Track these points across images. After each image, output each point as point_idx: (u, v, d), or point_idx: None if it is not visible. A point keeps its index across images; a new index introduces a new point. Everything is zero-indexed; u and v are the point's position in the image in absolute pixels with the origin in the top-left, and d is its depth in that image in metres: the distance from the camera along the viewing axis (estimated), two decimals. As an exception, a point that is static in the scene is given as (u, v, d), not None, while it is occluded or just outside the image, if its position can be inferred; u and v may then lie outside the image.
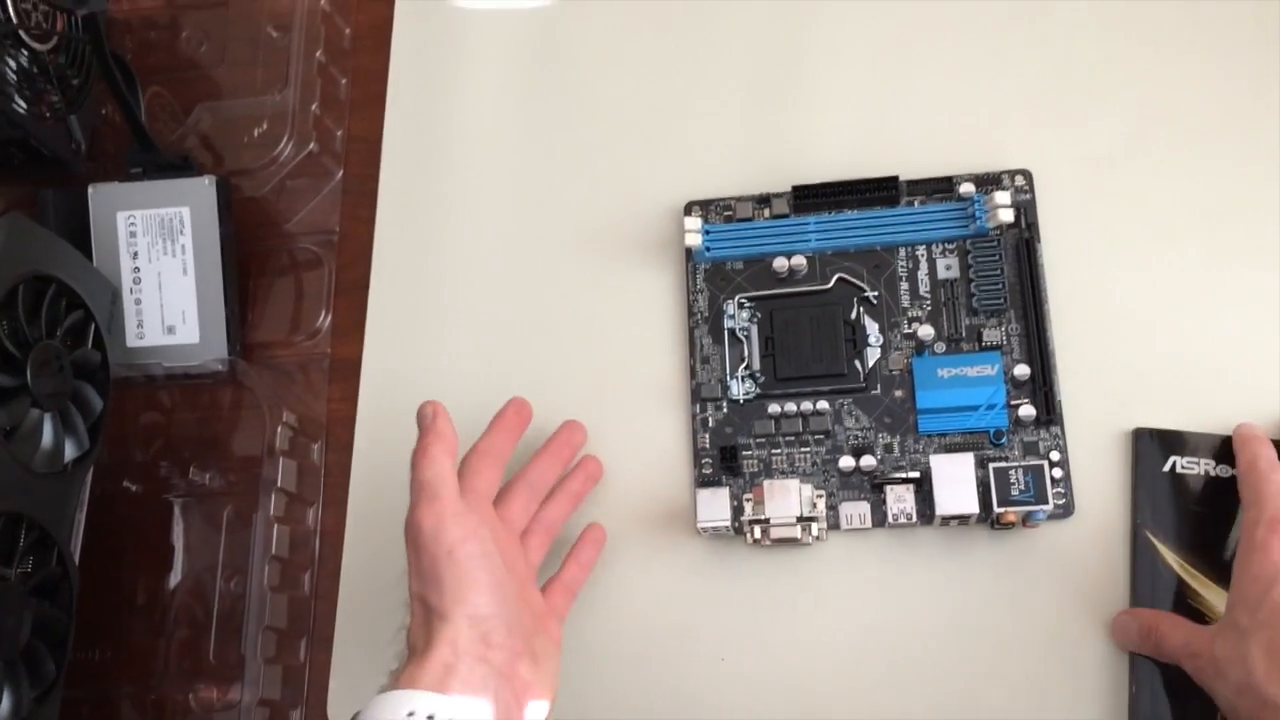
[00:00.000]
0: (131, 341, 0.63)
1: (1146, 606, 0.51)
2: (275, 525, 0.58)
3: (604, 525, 0.56)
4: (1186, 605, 0.51)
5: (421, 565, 0.47)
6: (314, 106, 0.66)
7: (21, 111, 0.61)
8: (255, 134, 0.67)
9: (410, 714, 0.42)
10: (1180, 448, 0.53)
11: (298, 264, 0.65)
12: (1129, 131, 0.58)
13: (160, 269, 0.63)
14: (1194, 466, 0.52)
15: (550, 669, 0.49)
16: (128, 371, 0.63)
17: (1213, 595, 0.51)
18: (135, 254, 0.63)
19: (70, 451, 0.56)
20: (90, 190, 0.63)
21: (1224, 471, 0.52)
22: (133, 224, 0.63)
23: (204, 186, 0.63)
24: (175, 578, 0.61)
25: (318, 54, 0.67)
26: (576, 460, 0.57)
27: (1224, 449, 0.52)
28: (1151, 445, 0.53)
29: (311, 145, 0.65)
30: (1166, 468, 0.52)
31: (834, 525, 0.54)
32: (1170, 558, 0.51)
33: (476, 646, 0.45)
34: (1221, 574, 0.50)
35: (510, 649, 0.46)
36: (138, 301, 0.63)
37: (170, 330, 0.62)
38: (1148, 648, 0.50)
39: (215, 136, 0.68)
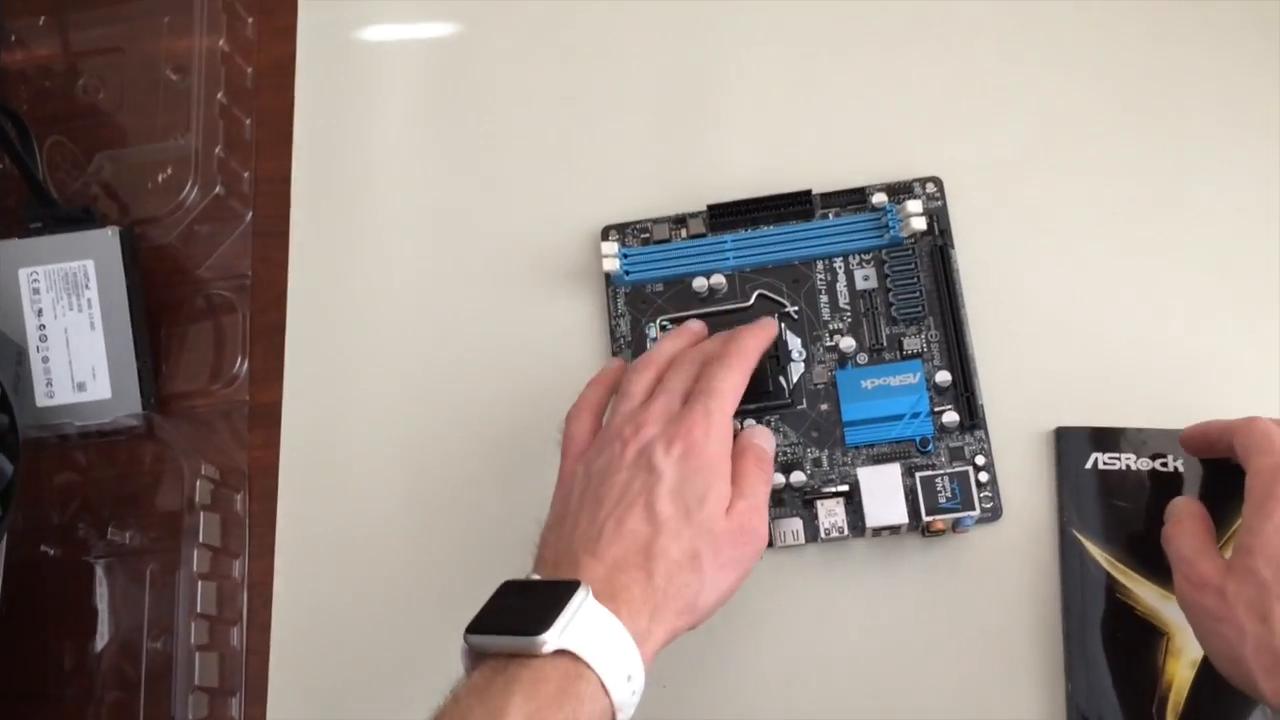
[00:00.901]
0: (41, 401, 0.61)
1: (1077, 604, 0.51)
2: (199, 582, 0.56)
3: (527, 563, 0.56)
4: (1116, 600, 0.51)
5: (724, 562, 0.45)
6: (218, 149, 0.64)
7: (-89, 171, 0.59)
8: (160, 179, 0.66)
9: (629, 678, 0.41)
10: (1101, 444, 0.53)
11: (211, 311, 0.64)
12: (1033, 134, 0.59)
13: (67, 325, 0.61)
14: (1115, 462, 0.53)
15: None
16: (39, 432, 0.61)
17: (1142, 589, 0.51)
18: (40, 310, 0.61)
19: (-20, 520, 0.54)
20: (-12, 248, 0.62)
21: (1144, 465, 0.53)
22: (35, 280, 0.61)
23: (107, 238, 0.61)
24: (101, 640, 0.59)
25: (219, 95, 0.65)
26: None
27: (1144, 442, 0.53)
28: (1072, 443, 0.53)
29: (218, 188, 0.64)
30: (1089, 465, 0.53)
31: (769, 543, 0.54)
32: (1098, 554, 0.52)
33: (662, 647, 0.44)
34: (1149, 568, 0.51)
35: None
36: (45, 360, 0.61)
37: (81, 387, 0.61)
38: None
39: (118, 184, 0.66)
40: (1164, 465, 0.53)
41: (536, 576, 0.45)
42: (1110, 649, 0.51)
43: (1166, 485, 0.52)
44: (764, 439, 0.50)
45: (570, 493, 0.48)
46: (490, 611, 0.43)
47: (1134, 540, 0.52)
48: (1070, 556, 0.52)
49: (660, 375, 0.51)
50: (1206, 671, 0.49)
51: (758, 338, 0.52)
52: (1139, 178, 0.57)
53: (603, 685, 0.40)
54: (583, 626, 0.40)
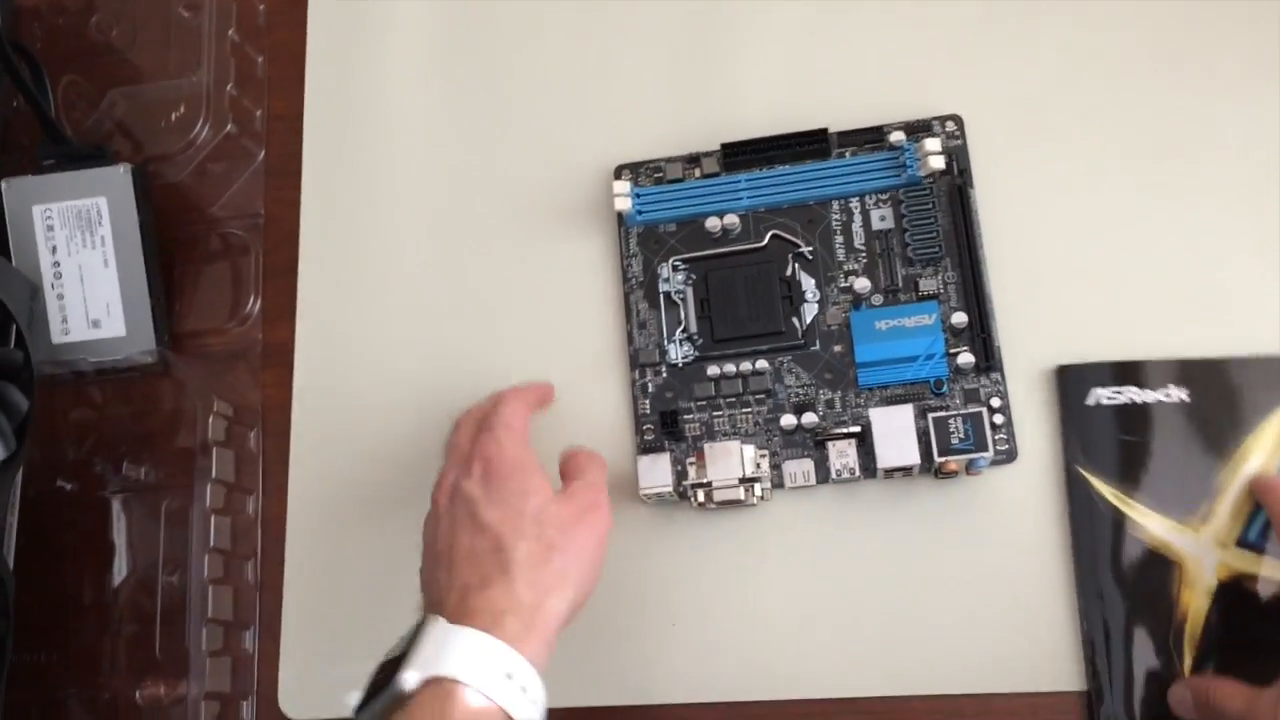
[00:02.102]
0: (56, 338, 0.61)
1: (1086, 541, 0.51)
2: (213, 517, 0.57)
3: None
4: (1126, 535, 0.51)
5: (577, 534, 0.46)
6: (229, 87, 0.64)
7: (-76, 107, 0.59)
8: (172, 118, 0.66)
9: (509, 676, 0.41)
10: (1102, 379, 0.53)
11: (223, 249, 0.64)
12: (1055, 71, 0.57)
13: (81, 262, 0.61)
14: (1118, 396, 0.52)
15: None
16: (54, 368, 0.61)
17: (1151, 522, 0.51)
18: (54, 248, 0.61)
19: (-4, 455, 0.54)
20: (3, 185, 0.61)
21: (1147, 397, 0.52)
22: (49, 217, 0.61)
23: (119, 175, 0.61)
24: (119, 574, 0.60)
25: (230, 32, 0.65)
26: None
27: (1142, 374, 0.52)
28: (1074, 380, 0.53)
29: (229, 126, 0.64)
30: (1091, 401, 0.52)
31: (779, 484, 0.54)
32: (1105, 490, 0.51)
33: (558, 630, 0.44)
34: (1157, 500, 0.51)
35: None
36: (60, 296, 0.61)
37: (95, 324, 0.61)
38: (1207, 715, 0.48)
39: (132, 122, 0.66)
40: (1167, 396, 0.52)
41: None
42: (1123, 584, 0.50)
43: (1170, 415, 0.52)
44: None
45: (425, 555, 0.49)
46: (369, 688, 0.43)
47: (1141, 474, 0.51)
48: (1077, 494, 0.52)
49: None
50: (1221, 598, 0.49)
51: (530, 391, 0.53)
52: (1161, 117, 0.56)
53: (481, 693, 0.40)
54: (441, 651, 0.41)
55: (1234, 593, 0.50)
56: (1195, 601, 0.50)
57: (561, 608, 0.44)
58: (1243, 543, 0.50)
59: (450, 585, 0.45)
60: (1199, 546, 0.50)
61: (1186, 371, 0.52)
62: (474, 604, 0.43)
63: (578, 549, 0.46)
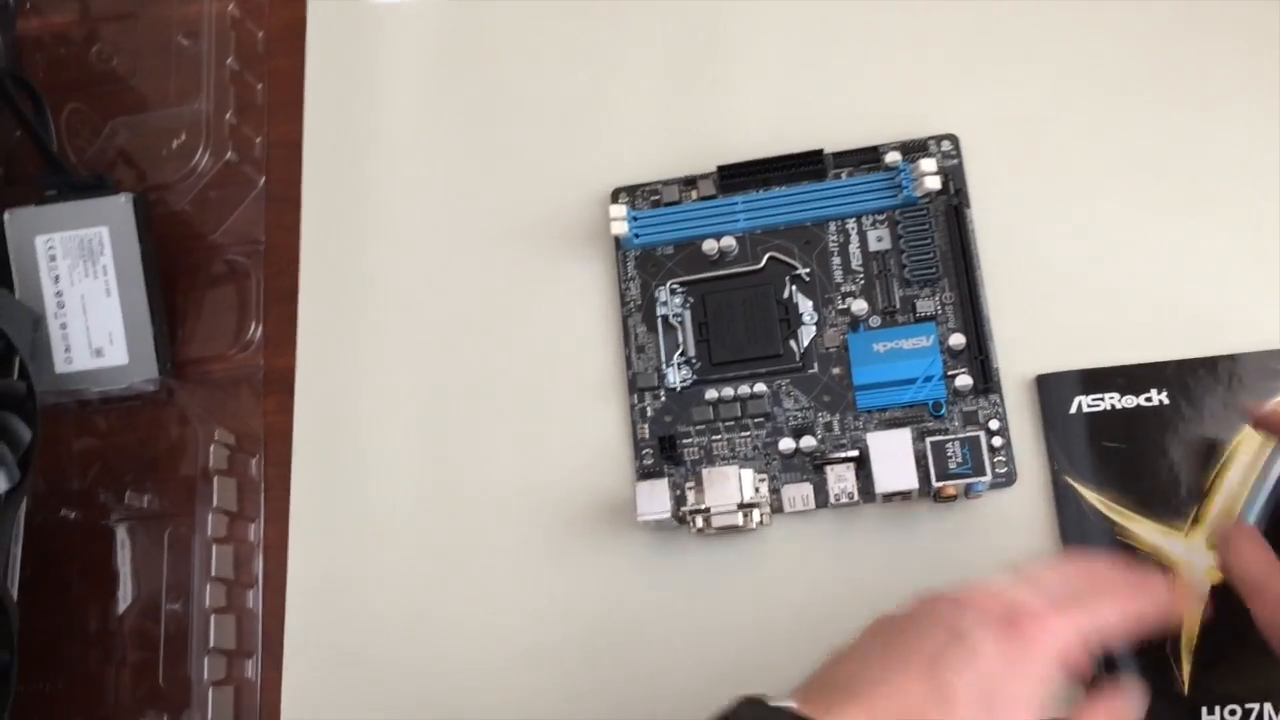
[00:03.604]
0: (60, 367, 0.61)
1: (1077, 553, 0.51)
2: (214, 546, 0.57)
3: (547, 524, 0.56)
4: (1117, 543, 0.51)
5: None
6: (229, 115, 0.64)
7: (-73, 141, 0.59)
8: (174, 145, 0.66)
9: None
10: (1083, 386, 0.52)
11: (225, 276, 0.64)
12: (1054, 87, 0.57)
13: (83, 291, 0.61)
14: (1100, 403, 0.52)
15: None
16: (58, 398, 0.61)
17: (1141, 529, 0.50)
18: (57, 277, 0.62)
19: (0, 486, 0.55)
20: (5, 216, 0.62)
21: (1129, 402, 0.52)
22: (52, 248, 0.62)
23: (120, 205, 0.61)
24: (123, 603, 0.60)
25: (229, 60, 0.65)
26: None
27: (1127, 379, 0.52)
28: (1054, 388, 0.53)
29: (229, 154, 0.64)
30: (1073, 409, 0.52)
31: (778, 509, 0.53)
32: (1094, 499, 0.51)
33: None
34: (1146, 506, 0.51)
35: None
36: (63, 326, 0.61)
37: (98, 353, 0.61)
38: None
39: (134, 151, 0.67)
40: (1148, 400, 0.52)
41: (785, 703, 0.40)
42: None
43: (1154, 419, 0.51)
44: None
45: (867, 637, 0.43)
46: None
47: (1128, 480, 0.51)
48: (1067, 504, 0.51)
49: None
50: (1217, 604, 0.49)
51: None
52: (1160, 137, 0.56)
53: None
54: None
55: (1228, 596, 0.49)
56: (1189, 607, 0.49)
57: None
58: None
59: (859, 696, 0.39)
60: (1190, 550, 0.50)
61: (1166, 374, 0.52)
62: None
63: None
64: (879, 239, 0.56)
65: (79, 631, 0.60)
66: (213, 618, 0.56)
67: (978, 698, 0.38)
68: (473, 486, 0.58)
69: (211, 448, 0.58)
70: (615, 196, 0.59)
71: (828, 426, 0.54)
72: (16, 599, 0.56)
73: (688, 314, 0.57)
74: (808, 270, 0.56)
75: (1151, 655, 0.49)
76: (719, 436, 0.55)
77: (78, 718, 0.58)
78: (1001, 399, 0.53)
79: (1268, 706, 0.48)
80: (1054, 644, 0.40)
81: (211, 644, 0.56)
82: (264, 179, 0.65)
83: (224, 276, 0.64)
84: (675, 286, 0.57)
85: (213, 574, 0.56)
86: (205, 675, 0.55)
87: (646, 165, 0.60)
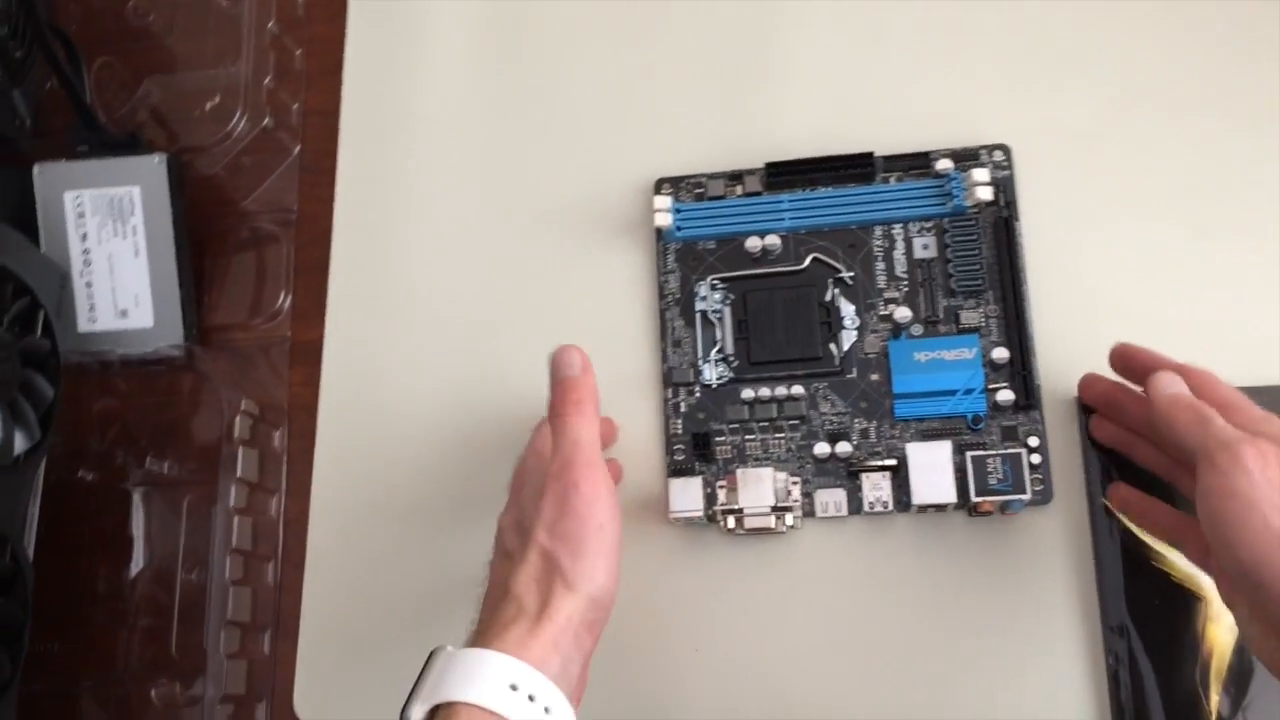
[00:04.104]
0: (84, 326, 0.60)
1: (1111, 575, 0.51)
2: (235, 517, 0.56)
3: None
4: (1151, 568, 0.50)
5: (564, 525, 0.44)
6: (268, 80, 0.63)
7: (-38, 89, 0.58)
8: (207, 107, 0.65)
9: (513, 686, 0.40)
10: None
11: (255, 244, 0.63)
12: (1110, 103, 0.57)
13: (111, 251, 0.60)
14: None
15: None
16: (81, 357, 0.61)
17: (1176, 555, 0.50)
18: (84, 235, 0.61)
19: (20, 444, 0.54)
20: (35, 170, 0.61)
21: None
22: (81, 204, 0.61)
23: (154, 165, 0.60)
24: (135, 567, 0.60)
25: (270, 24, 0.64)
26: None
27: None
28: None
29: (266, 120, 0.63)
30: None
31: (809, 513, 0.53)
32: (1128, 522, 0.51)
33: (582, 630, 0.43)
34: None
35: (594, 642, 0.44)
36: (89, 284, 0.61)
37: (123, 314, 0.60)
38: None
39: (166, 110, 0.66)
40: None
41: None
42: (1148, 619, 0.50)
43: None
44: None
45: None
46: None
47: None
48: (1101, 528, 0.51)
49: None
50: None
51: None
52: (1216, 157, 0.55)
53: (484, 710, 0.39)
54: (442, 677, 0.41)
55: None
56: (1221, 638, 0.49)
57: (567, 607, 0.43)
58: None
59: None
60: None
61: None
62: (483, 625, 0.44)
63: (571, 544, 0.44)
64: (925, 246, 0.55)
65: (88, 594, 0.60)
66: (231, 590, 0.55)
67: (511, 538, 0.47)
68: (498, 472, 0.57)
69: (237, 418, 0.57)
70: (659, 187, 0.58)
71: (864, 433, 0.54)
72: (31, 560, 0.55)
73: (727, 311, 0.56)
74: (851, 274, 0.56)
75: (1182, 683, 0.49)
76: (753, 436, 0.54)
77: (87, 680, 0.58)
78: (1042, 416, 0.52)
79: (1297, 735, 0.48)
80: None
81: (229, 617, 0.55)
82: (299, 147, 0.64)
83: (253, 244, 0.63)
84: (716, 282, 0.56)
85: (233, 546, 0.56)
86: (221, 648, 0.54)
87: (692, 157, 0.59)
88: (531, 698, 0.40)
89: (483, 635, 0.43)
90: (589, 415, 0.47)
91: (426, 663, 0.43)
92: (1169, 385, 0.45)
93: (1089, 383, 0.52)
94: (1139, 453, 0.50)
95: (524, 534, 0.45)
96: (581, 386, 0.48)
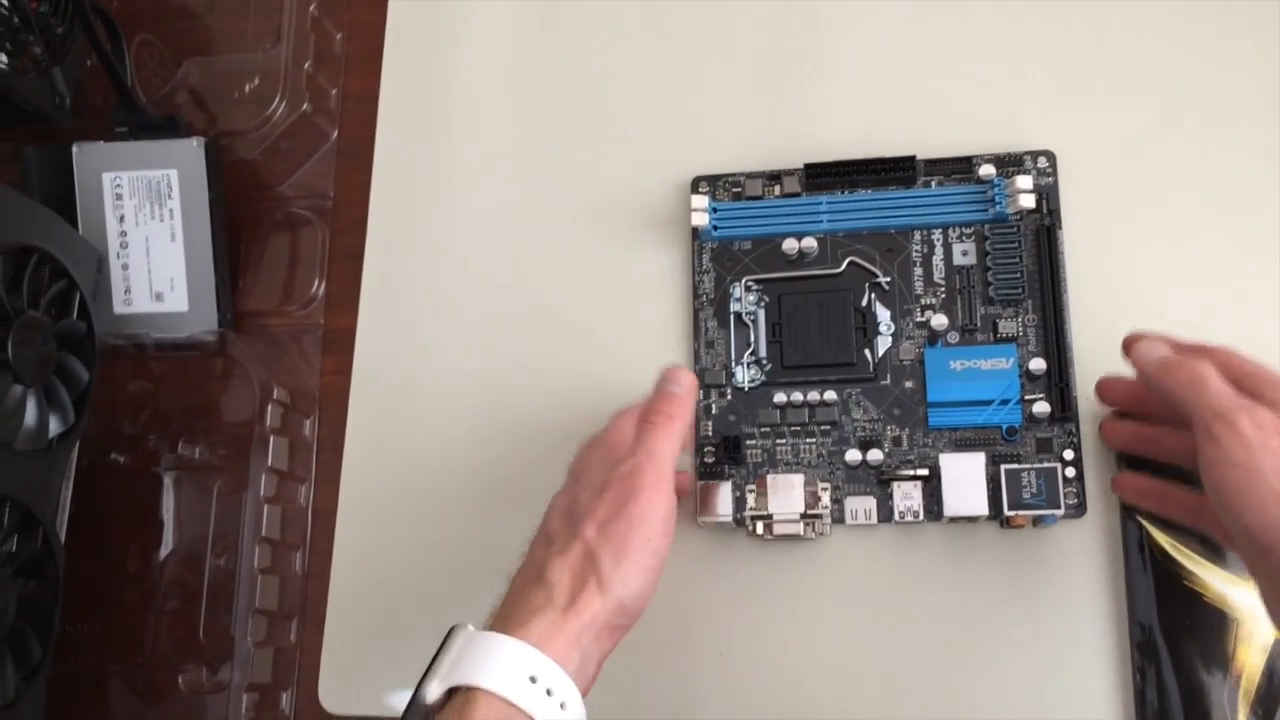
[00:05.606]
0: (119, 308, 0.61)
1: (1142, 593, 0.50)
2: (265, 506, 0.56)
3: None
4: (1183, 587, 0.50)
5: (615, 526, 0.44)
6: (307, 64, 0.63)
7: (3, 66, 0.58)
8: (246, 90, 0.65)
9: (533, 679, 0.40)
10: None
11: (290, 229, 0.63)
12: (1159, 113, 0.55)
13: (148, 233, 0.61)
14: None
15: None
16: (116, 340, 0.61)
17: (1209, 575, 0.50)
18: (122, 217, 0.61)
19: (55, 427, 0.54)
20: (75, 149, 0.61)
21: None
22: (119, 185, 0.61)
23: (192, 148, 0.60)
24: (165, 549, 0.60)
25: (311, 7, 0.64)
26: None
27: None
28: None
29: (305, 105, 0.63)
30: None
31: (839, 519, 0.53)
32: (1162, 540, 0.50)
33: (604, 631, 0.43)
34: (1215, 552, 0.50)
35: (613, 646, 0.44)
36: (125, 266, 0.61)
37: (159, 298, 0.60)
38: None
39: (205, 92, 0.66)
40: None
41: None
42: (1177, 638, 0.49)
43: None
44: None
45: None
46: (408, 703, 0.42)
47: None
48: (1133, 543, 0.50)
49: None
50: (1278, 655, 0.48)
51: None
52: (1265, 171, 0.54)
53: (503, 699, 0.39)
54: (462, 659, 0.41)
55: None
56: (1251, 659, 0.49)
57: (595, 607, 0.43)
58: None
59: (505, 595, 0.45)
60: (1257, 602, 0.49)
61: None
62: (509, 607, 0.43)
63: (615, 547, 0.44)
64: (964, 253, 0.55)
65: (119, 575, 0.60)
66: (259, 578, 0.55)
67: (556, 526, 0.46)
68: (528, 466, 0.57)
69: (269, 406, 0.57)
70: (695, 185, 0.58)
71: (896, 441, 0.53)
72: (63, 541, 0.55)
73: (761, 313, 0.55)
74: (888, 279, 0.55)
75: (1209, 704, 0.48)
76: (784, 441, 0.54)
77: (116, 663, 0.58)
78: (1078, 429, 0.52)
79: (1323, 757, 0.47)
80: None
81: (257, 605, 0.55)
82: (336, 133, 0.64)
83: (288, 229, 0.63)
84: (751, 283, 0.56)
85: (262, 534, 0.56)
86: (248, 636, 0.55)
87: (729, 155, 0.58)
88: (550, 691, 0.40)
89: (506, 619, 0.43)
90: (676, 433, 0.46)
91: (445, 640, 0.43)
92: (1153, 350, 0.45)
93: (1108, 385, 0.50)
94: (1163, 445, 0.48)
95: (572, 523, 0.45)
96: (682, 405, 0.47)
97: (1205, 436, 0.41)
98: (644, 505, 0.44)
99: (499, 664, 0.40)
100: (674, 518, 0.45)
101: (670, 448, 0.46)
